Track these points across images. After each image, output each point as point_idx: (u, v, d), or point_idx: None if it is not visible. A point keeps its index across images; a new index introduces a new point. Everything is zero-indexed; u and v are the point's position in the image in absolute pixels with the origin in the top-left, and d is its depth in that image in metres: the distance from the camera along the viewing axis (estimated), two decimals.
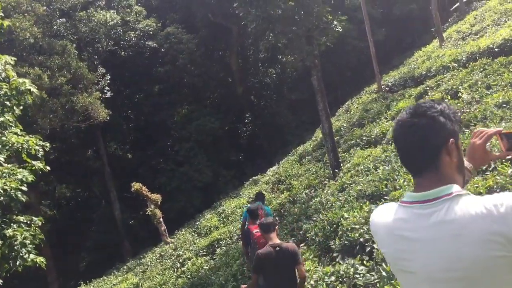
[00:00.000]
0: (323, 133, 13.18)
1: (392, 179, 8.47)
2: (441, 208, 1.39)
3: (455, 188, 1.41)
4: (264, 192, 12.71)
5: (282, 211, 12.34)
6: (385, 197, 7.81)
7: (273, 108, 35.49)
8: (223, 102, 34.72)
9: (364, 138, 13.60)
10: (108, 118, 22.00)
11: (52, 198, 31.51)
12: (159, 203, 19.14)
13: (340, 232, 7.45)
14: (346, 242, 6.96)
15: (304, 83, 37.92)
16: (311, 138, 22.45)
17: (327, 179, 12.82)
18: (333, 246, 7.35)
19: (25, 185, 8.89)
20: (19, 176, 8.86)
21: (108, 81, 24.87)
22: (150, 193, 19.28)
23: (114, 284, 16.12)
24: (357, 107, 20.05)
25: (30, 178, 9.15)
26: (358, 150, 12.83)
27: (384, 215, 1.59)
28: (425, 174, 1.47)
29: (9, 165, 9.13)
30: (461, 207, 1.36)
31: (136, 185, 18.92)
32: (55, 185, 31.38)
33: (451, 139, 1.45)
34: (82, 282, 19.26)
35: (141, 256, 19.51)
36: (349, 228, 7.13)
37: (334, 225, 8.01)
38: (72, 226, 30.06)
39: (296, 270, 5.03)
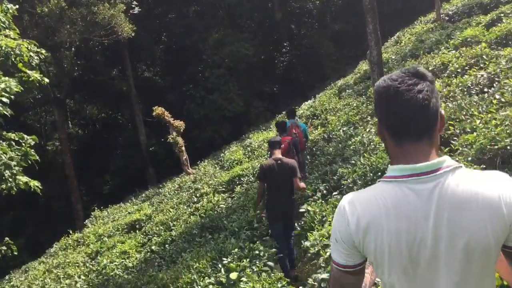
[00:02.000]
0: (369, 61, 11.07)
1: (458, 119, 6.55)
2: (443, 181, 1.30)
3: (450, 160, 1.35)
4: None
5: (314, 149, 10.62)
6: (452, 141, 5.93)
7: (314, 38, 32.75)
8: (260, 29, 32.26)
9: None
10: (133, 34, 20.24)
11: (78, 117, 30.76)
12: (182, 130, 17.70)
13: None
14: None
15: (350, 12, 34.99)
16: (353, 72, 20.22)
17: (370, 116, 10.91)
18: None
19: (7, 96, 7.38)
20: (1, 86, 7.35)
21: None
22: (173, 119, 17.83)
23: (128, 213, 15.14)
24: (409, 38, 17.54)
25: (16, 89, 7.64)
26: None
27: (367, 198, 1.39)
28: (423, 140, 1.36)
29: None
30: (466, 181, 1.30)
31: (158, 110, 17.45)
32: (83, 105, 30.53)
33: (441, 109, 1.40)
34: (101, 206, 18.57)
35: (161, 185, 18.46)
36: None
37: (379, 173, 6.26)
38: (98, 148, 29.42)
39: (293, 181, 5.90)
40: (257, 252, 5.85)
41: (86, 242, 12.03)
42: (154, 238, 10.16)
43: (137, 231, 12.19)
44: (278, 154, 6.14)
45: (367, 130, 9.22)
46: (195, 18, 29.30)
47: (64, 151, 25.86)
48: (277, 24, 31.62)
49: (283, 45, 35.18)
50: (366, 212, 1.35)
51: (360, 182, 6.30)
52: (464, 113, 6.73)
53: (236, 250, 5.97)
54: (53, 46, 22.65)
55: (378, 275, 1.46)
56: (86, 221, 16.18)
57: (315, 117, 14.59)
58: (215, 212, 10.03)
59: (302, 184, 6.13)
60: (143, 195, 17.95)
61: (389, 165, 1.41)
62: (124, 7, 20.03)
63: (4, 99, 7.12)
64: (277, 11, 30.84)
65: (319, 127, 12.88)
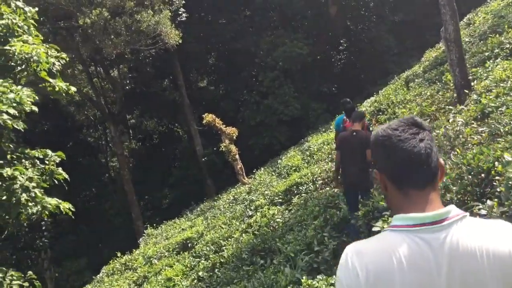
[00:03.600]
0: (445, 39, 9.20)
1: None
2: (452, 231, 1.28)
3: (456, 208, 1.33)
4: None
5: None
6: None
7: (372, 32, 30.57)
8: (313, 26, 30.59)
9: (507, 46, 9.44)
10: (180, 41, 19.35)
11: (135, 132, 30.55)
12: (234, 137, 16.52)
13: (497, 184, 4.04)
14: None
15: (409, 2, 32.58)
16: (419, 62, 18.15)
17: (449, 105, 9.07)
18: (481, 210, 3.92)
19: (18, 107, 6.35)
20: (10, 96, 6.35)
21: (184, 1, 21.98)
22: (225, 126, 16.69)
23: (182, 229, 14.07)
24: (484, 17, 15.32)
25: (29, 99, 6.61)
26: (499, 62, 8.80)
27: (373, 247, 1.34)
28: (426, 189, 1.35)
29: (1, 80, 6.64)
30: (474, 233, 1.28)
31: (208, 117, 16.39)
32: (139, 119, 30.30)
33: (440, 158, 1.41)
34: (162, 221, 17.78)
35: (216, 198, 17.32)
36: None
37: (481, 174, 4.55)
38: (156, 162, 28.98)
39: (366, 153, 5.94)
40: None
41: (134, 266, 11.02)
42: (202, 261, 8.89)
43: (188, 251, 11.01)
44: (357, 126, 6.33)
45: (450, 121, 7.42)
46: (246, 22, 28.22)
47: (122, 166, 25.51)
48: (331, 20, 29.83)
49: (339, 42, 33.29)
50: (377, 264, 1.28)
51: (455, 188, 4.62)
52: None
53: (291, 286, 4.47)
54: (102, 60, 22.39)
55: None
56: (140, 239, 15.29)
57: (380, 113, 12.81)
58: (270, 228, 8.60)
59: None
60: (198, 209, 16.89)
61: (393, 215, 1.38)
62: (170, 14, 19.17)
63: (11, 110, 6.09)
64: (331, 6, 29.08)
65: (386, 122, 11.13)
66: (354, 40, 31.81)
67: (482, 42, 11.86)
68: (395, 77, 20.02)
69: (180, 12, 22.48)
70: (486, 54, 10.02)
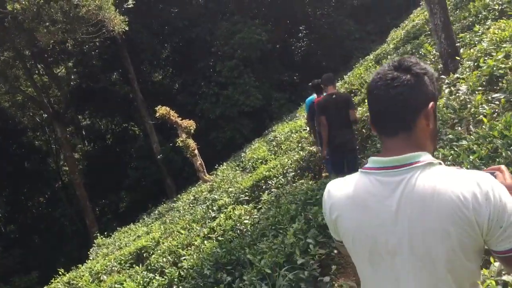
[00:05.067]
0: (428, 1, 7.96)
1: None
2: (409, 176, 1.26)
3: (426, 156, 1.30)
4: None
5: (364, 130, 7.62)
6: None
7: (332, 17, 29.53)
8: (271, 13, 29.25)
9: (495, 7, 8.31)
10: (126, 28, 17.46)
11: (86, 133, 28.33)
12: (192, 131, 14.93)
13: None
14: None
15: None
16: (385, 42, 17.08)
17: (436, 77, 7.85)
18: None
19: None
20: None
21: None
22: (180, 119, 15.08)
23: (137, 237, 12.41)
24: None
25: None
26: (491, 24, 7.64)
27: (341, 186, 1.43)
28: (398, 136, 1.34)
29: None
30: (431, 178, 1.24)
31: (161, 109, 14.76)
32: (89, 118, 28.08)
33: (432, 103, 1.34)
34: (119, 227, 16.03)
35: (175, 198, 15.73)
36: None
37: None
38: (110, 163, 26.92)
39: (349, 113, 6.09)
40: None
41: (79, 285, 9.32)
42: (156, 278, 7.32)
43: (142, 263, 9.41)
44: (332, 89, 6.37)
45: (446, 91, 6.17)
46: (199, 8, 26.51)
47: (72, 170, 23.39)
48: (290, 6, 28.54)
49: (299, 29, 32.15)
50: (336, 202, 1.41)
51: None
52: None
53: None
54: (42, 54, 20.26)
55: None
56: (91, 250, 13.50)
57: (352, 94, 11.56)
58: (236, 233, 7.15)
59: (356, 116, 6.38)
60: (156, 212, 15.23)
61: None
62: None
63: None
64: None
65: (361, 104, 9.87)
66: (314, 26, 30.67)
67: (458, 10, 10.80)
68: (360, 60, 19.00)
69: None
70: (470, 19, 8.88)
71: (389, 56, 12.11)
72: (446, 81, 6.61)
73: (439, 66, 8.22)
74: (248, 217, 7.69)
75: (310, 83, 8.34)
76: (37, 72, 23.25)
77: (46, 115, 25.20)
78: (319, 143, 7.34)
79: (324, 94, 6.88)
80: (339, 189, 1.41)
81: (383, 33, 26.37)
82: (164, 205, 15.78)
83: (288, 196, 6.79)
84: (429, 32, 11.11)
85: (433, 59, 8.70)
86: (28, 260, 23.43)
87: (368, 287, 1.41)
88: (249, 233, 6.57)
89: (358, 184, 1.35)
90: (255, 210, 8.03)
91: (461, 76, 6.47)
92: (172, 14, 25.95)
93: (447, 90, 6.16)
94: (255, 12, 28.59)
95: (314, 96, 8.04)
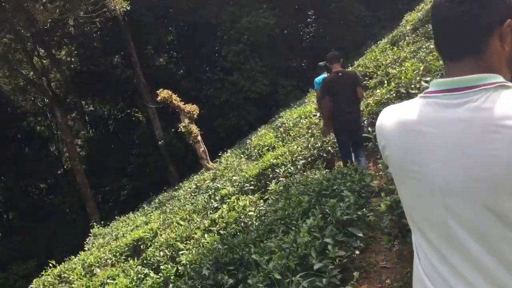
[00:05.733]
0: None
1: None
2: (476, 98, 1.03)
3: (499, 78, 1.06)
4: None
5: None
6: None
7: (343, 2, 28.48)
8: None
9: None
10: (128, 8, 16.68)
11: (83, 117, 27.60)
12: (195, 116, 14.22)
13: None
14: None
15: None
16: (399, 25, 16.17)
17: None
18: None
19: None
20: None
21: None
22: (183, 103, 14.34)
23: (136, 227, 11.73)
24: None
25: None
26: None
27: (396, 111, 1.24)
28: (465, 59, 1.11)
29: None
30: (505, 101, 1.00)
31: (163, 93, 14.04)
32: (91, 102, 27.34)
33: (509, 20, 1.07)
34: (119, 215, 15.43)
35: (177, 187, 15.04)
36: None
37: None
38: (112, 150, 26.26)
39: (356, 91, 5.99)
40: None
41: (70, 279, 8.65)
42: (151, 275, 6.61)
43: (138, 256, 8.74)
44: (338, 67, 6.16)
45: None
46: None
47: (72, 156, 22.75)
48: None
49: (308, 14, 31.14)
50: (386, 129, 1.23)
51: None
52: None
53: None
54: (40, 35, 19.50)
55: None
56: (87, 239, 12.85)
57: (366, 78, 10.75)
58: (240, 226, 6.42)
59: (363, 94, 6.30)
60: (156, 200, 14.54)
61: None
62: None
63: None
64: None
65: (377, 86, 9.07)
66: (323, 11, 29.67)
67: None
68: (372, 45, 18.18)
69: None
70: None
71: (406, 37, 11.25)
72: None
73: None
74: (253, 209, 6.95)
75: (321, 63, 8.30)
76: (37, 54, 22.50)
77: (47, 100, 24.56)
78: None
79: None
80: (392, 115, 1.22)
81: (394, 19, 25.38)
82: (165, 193, 15.11)
83: (299, 186, 6.03)
84: None
85: None
86: (27, 247, 22.90)
87: (415, 230, 1.23)
88: (255, 227, 5.83)
89: (413, 108, 1.16)
90: (262, 201, 7.29)
91: None
92: None
93: None
94: None
95: (325, 74, 7.79)
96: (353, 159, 6.21)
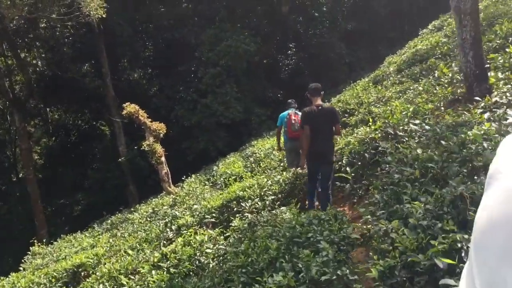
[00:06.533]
0: (456, 10, 6.64)
1: None
2: None
3: None
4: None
5: (368, 154, 6.16)
6: None
7: (325, 38, 28.46)
8: (263, 24, 28.05)
9: None
10: (104, 15, 15.84)
11: (47, 124, 26.17)
12: (161, 135, 13.35)
13: None
14: None
15: (364, 11, 31.08)
16: (378, 68, 15.88)
17: (454, 101, 6.60)
18: None
19: None
20: None
21: None
22: (150, 120, 13.46)
23: (81, 249, 10.61)
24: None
25: None
26: None
27: None
28: None
29: None
30: None
31: (129, 107, 13.17)
32: (52, 109, 25.97)
33: None
34: (69, 232, 14.20)
35: (133, 209, 14.00)
36: None
37: None
38: (70, 161, 24.87)
39: (334, 127, 6.16)
40: None
41: None
42: None
43: (77, 284, 7.70)
44: (318, 101, 6.32)
45: (474, 120, 4.80)
46: (187, 11, 25.06)
47: (26, 164, 21.34)
48: (282, 20, 27.42)
49: (289, 46, 31.01)
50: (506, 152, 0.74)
51: None
52: None
53: None
54: (7, 33, 18.39)
55: None
56: (25, 258, 11.58)
57: (346, 114, 10.21)
58: (195, 265, 5.57)
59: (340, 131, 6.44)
60: (109, 221, 13.42)
61: None
62: None
63: None
64: (283, 4, 26.63)
65: (359, 124, 8.49)
66: (304, 45, 29.58)
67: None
68: (350, 84, 17.89)
69: None
70: (498, 41, 7.64)
71: (390, 78, 10.83)
72: (482, 104, 5.26)
73: (459, 90, 6.93)
74: (212, 246, 6.11)
75: (290, 100, 9.07)
76: (1, 53, 21.27)
77: (7, 102, 23.18)
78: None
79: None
80: None
81: (374, 61, 25.45)
82: (119, 214, 14.02)
83: (267, 227, 5.25)
84: (439, 56, 9.92)
85: (450, 82, 7.41)
86: None
87: None
88: (211, 270, 5.00)
89: None
90: (222, 237, 6.45)
91: (500, 101, 5.13)
92: (158, 12, 24.39)
93: (486, 115, 4.79)
94: (246, 23, 27.30)
95: (290, 111, 8.57)
96: (318, 189, 6.43)
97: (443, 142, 4.32)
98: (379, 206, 4.17)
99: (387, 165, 5.02)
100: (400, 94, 8.40)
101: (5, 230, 23.11)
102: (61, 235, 14.40)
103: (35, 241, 12.30)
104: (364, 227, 4.08)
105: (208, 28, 24.27)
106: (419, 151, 4.57)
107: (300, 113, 7.96)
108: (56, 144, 26.66)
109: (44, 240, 20.44)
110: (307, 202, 6.58)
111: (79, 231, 13.94)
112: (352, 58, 29.07)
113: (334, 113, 6.25)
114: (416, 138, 5.61)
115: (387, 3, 29.66)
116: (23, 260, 11.64)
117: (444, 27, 14.39)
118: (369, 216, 4.05)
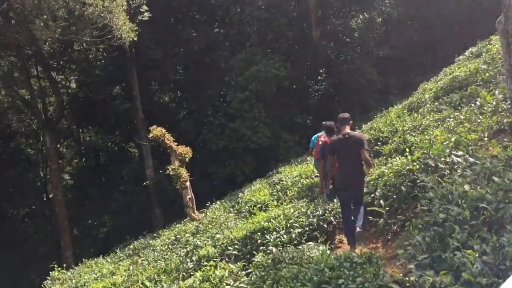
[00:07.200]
0: (504, 33, 6.17)
1: None
2: None
3: None
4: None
5: (404, 187, 5.64)
6: None
7: (355, 64, 27.96)
8: (293, 50, 27.88)
9: None
10: (135, 39, 15.91)
11: (79, 145, 26.40)
12: (187, 160, 13.09)
13: None
14: None
15: (396, 38, 30.60)
16: (412, 95, 15.32)
17: (503, 132, 6.05)
18: None
19: None
20: None
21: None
22: (176, 144, 13.24)
23: (101, 276, 10.30)
24: None
25: None
26: None
27: None
28: None
29: None
30: None
31: (156, 130, 13.01)
32: (83, 131, 26.21)
33: None
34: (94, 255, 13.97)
35: (155, 234, 13.68)
36: None
37: None
38: (98, 183, 24.92)
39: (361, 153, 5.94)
40: None
41: None
42: None
43: None
44: (347, 129, 6.24)
45: None
46: (219, 35, 25.12)
47: (54, 185, 21.43)
48: (313, 45, 27.16)
49: (319, 72, 30.67)
50: None
51: None
52: None
53: None
54: (40, 54, 18.71)
55: None
56: (45, 283, 11.35)
57: (379, 142, 9.69)
58: None
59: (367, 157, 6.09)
60: (131, 246, 13.11)
61: None
62: (126, 7, 15.85)
63: None
64: (314, 29, 26.43)
65: (393, 154, 7.96)
66: (335, 71, 29.15)
67: None
68: (382, 110, 17.38)
69: (142, 10, 19.08)
70: None
71: (427, 105, 10.28)
72: None
73: (505, 120, 6.37)
74: (232, 282, 5.66)
75: (324, 122, 8.34)
76: (36, 75, 21.68)
77: (40, 123, 23.57)
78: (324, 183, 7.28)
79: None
80: None
81: (406, 87, 24.79)
82: (142, 240, 13.70)
83: (292, 265, 4.78)
84: (480, 83, 9.35)
85: (494, 110, 6.85)
86: None
87: None
88: None
89: None
90: (244, 273, 6.00)
91: None
92: (190, 37, 24.54)
93: None
94: (276, 47, 27.15)
95: (321, 132, 8.23)
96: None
97: (495, 179, 3.80)
98: (421, 249, 3.66)
99: (429, 201, 4.50)
100: (439, 123, 7.87)
101: (32, 251, 23.17)
102: (84, 259, 14.24)
103: (55, 265, 12.04)
104: (403, 274, 3.56)
105: (239, 53, 24.26)
106: (466, 187, 4.06)
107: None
108: (86, 165, 26.86)
109: (69, 260, 20.48)
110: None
111: (101, 255, 13.69)
112: (383, 85, 28.49)
113: (360, 140, 6.06)
114: (459, 171, 5.09)
115: (420, 28, 29.15)
116: (42, 285, 11.42)
117: (483, 54, 13.76)
118: (407, 261, 3.54)
